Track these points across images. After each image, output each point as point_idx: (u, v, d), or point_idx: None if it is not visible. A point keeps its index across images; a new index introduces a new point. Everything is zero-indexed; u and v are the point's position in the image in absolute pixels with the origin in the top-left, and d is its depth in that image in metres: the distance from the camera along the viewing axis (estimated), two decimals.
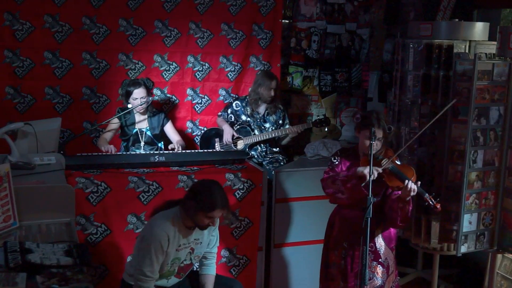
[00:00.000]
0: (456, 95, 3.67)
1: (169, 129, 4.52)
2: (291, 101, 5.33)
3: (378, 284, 3.35)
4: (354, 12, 5.43)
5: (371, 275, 3.33)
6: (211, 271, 3.32)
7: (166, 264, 3.06)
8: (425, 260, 4.60)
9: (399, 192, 3.24)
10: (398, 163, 3.35)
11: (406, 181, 3.16)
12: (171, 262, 3.08)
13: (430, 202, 3.19)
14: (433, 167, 3.98)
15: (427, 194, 3.19)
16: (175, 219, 3.04)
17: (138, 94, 4.29)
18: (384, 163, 3.23)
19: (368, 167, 3.14)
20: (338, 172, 3.39)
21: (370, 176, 3.14)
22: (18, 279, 2.12)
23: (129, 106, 4.33)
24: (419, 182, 3.19)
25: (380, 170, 3.18)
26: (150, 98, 4.37)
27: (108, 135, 4.38)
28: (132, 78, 4.64)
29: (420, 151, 4.02)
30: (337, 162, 3.41)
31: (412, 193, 3.15)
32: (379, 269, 3.36)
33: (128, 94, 4.31)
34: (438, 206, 3.20)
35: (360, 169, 3.19)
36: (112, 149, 4.15)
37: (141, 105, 4.28)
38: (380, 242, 3.37)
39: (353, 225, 3.33)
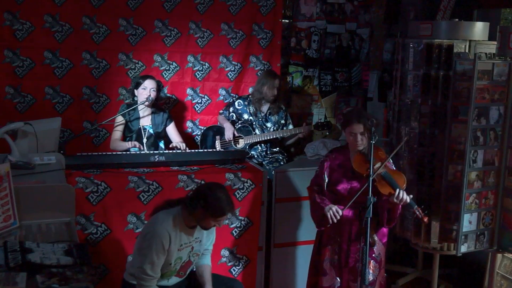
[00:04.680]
0: (456, 95, 3.68)
1: (172, 130, 4.51)
2: (291, 101, 5.33)
3: (370, 279, 3.38)
4: (354, 11, 5.43)
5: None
6: (206, 261, 3.33)
7: (168, 264, 3.06)
8: (425, 260, 4.59)
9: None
10: (392, 167, 3.36)
11: (397, 190, 3.18)
12: (174, 262, 3.08)
13: (418, 215, 3.22)
14: (433, 167, 3.97)
15: (416, 206, 3.22)
16: (177, 219, 3.04)
17: (149, 84, 4.30)
18: (377, 167, 3.23)
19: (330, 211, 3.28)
20: (323, 172, 3.46)
21: (370, 175, 3.16)
22: (18, 279, 2.12)
23: (135, 99, 4.35)
24: (410, 196, 3.22)
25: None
26: (151, 98, 4.35)
27: (118, 134, 4.39)
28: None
29: (420, 151, 4.02)
30: (323, 165, 3.50)
31: (400, 203, 3.19)
32: (372, 264, 3.40)
33: (138, 85, 4.33)
34: (426, 219, 3.24)
35: (326, 209, 3.30)
36: (136, 144, 4.22)
37: (148, 100, 4.27)
38: (373, 237, 3.40)
39: (344, 222, 3.36)
